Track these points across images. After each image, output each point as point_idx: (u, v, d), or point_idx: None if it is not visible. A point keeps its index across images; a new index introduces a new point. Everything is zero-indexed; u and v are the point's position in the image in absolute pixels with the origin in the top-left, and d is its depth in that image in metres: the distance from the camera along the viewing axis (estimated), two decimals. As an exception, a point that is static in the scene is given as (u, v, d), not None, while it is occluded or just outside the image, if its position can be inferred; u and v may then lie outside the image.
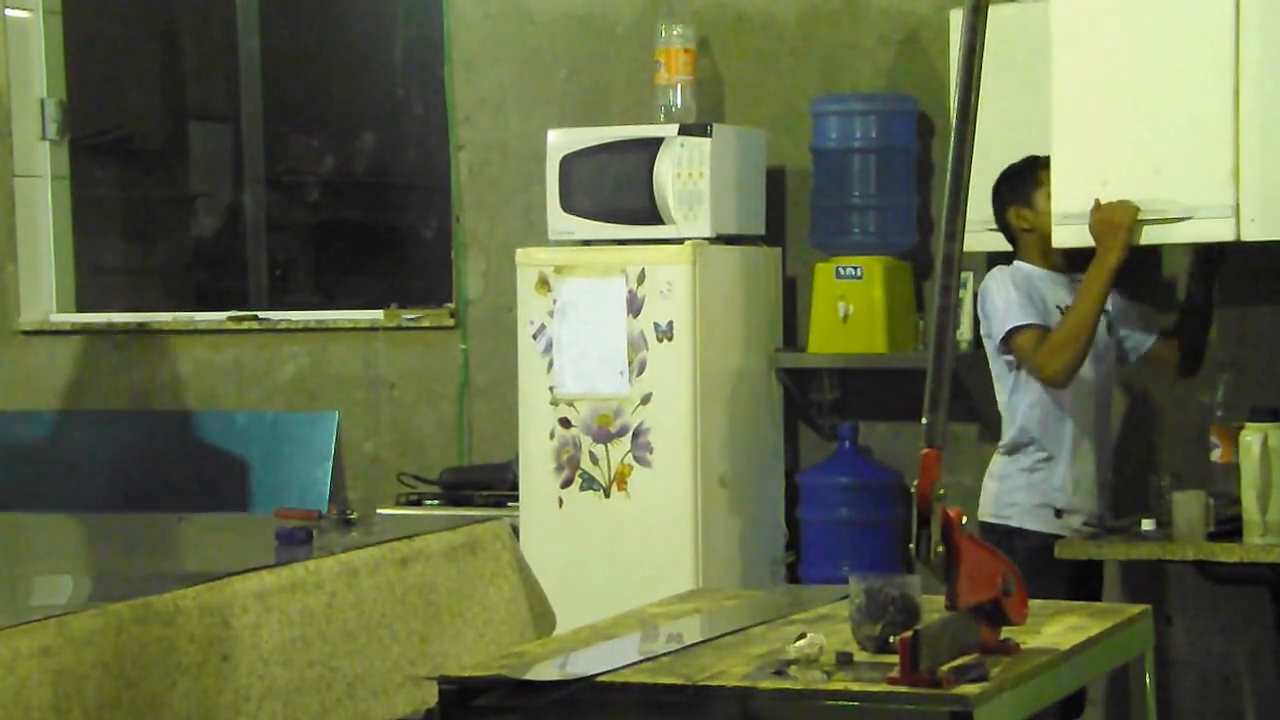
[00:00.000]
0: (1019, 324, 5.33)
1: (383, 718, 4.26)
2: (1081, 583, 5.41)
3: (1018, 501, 5.42)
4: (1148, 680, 3.96)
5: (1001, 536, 5.29)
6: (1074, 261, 5.43)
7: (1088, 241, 5.25)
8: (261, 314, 7.50)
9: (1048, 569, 5.16)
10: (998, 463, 5.49)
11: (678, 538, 6.09)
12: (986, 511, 5.44)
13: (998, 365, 5.46)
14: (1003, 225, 5.54)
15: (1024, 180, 5.49)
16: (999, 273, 5.46)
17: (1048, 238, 5.39)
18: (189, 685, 3.73)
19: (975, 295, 5.62)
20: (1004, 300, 5.36)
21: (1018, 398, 5.42)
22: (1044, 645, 3.57)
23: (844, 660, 3.37)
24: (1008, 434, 5.45)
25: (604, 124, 6.53)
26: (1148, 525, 5.42)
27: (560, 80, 6.96)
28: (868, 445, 6.52)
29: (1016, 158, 5.58)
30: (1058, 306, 5.38)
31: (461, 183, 7.09)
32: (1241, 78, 5.21)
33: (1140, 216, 5.18)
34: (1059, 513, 5.41)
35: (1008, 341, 5.36)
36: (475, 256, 7.07)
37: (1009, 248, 5.65)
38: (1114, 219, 5.18)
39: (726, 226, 6.27)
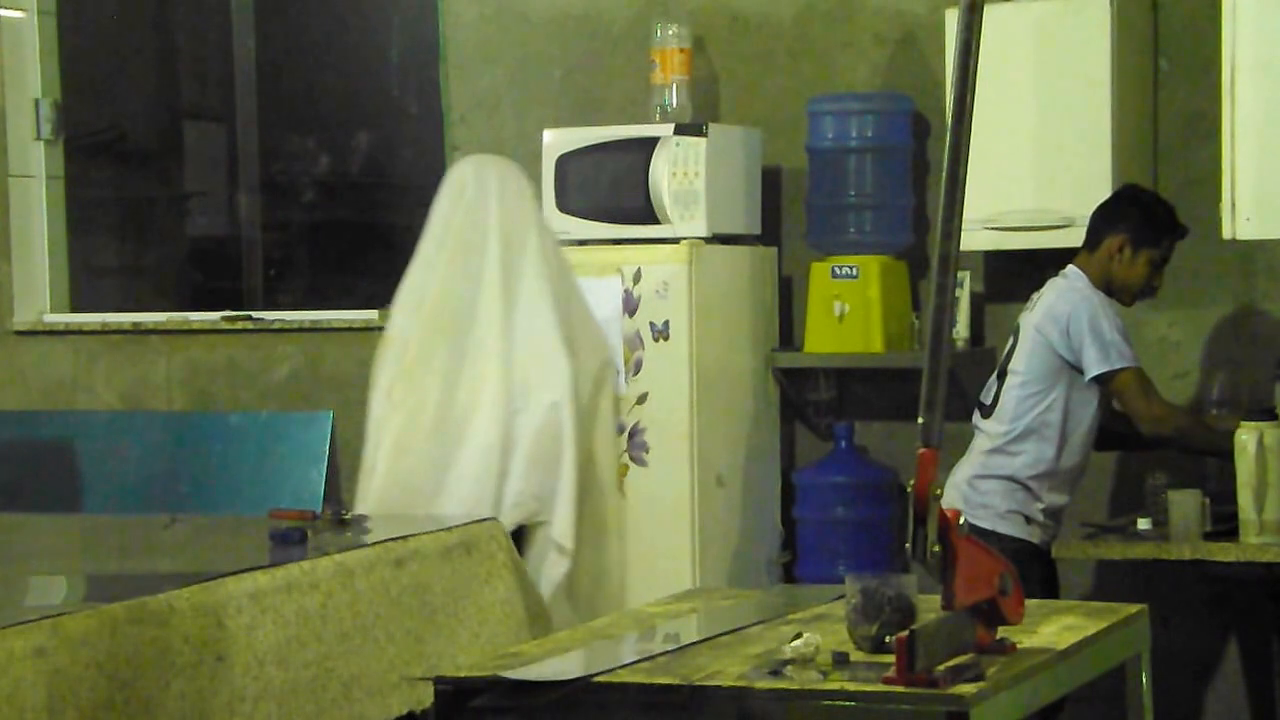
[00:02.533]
0: (1130, 366, 5.36)
1: (378, 718, 4.25)
2: (1050, 584, 5.44)
3: (991, 505, 5.40)
4: (1145, 680, 3.96)
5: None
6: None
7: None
8: (256, 314, 7.50)
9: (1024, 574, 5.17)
10: (982, 463, 5.45)
11: (674, 537, 6.09)
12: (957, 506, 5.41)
13: (1046, 378, 5.39)
14: (1098, 234, 5.47)
15: (1158, 230, 5.47)
16: (1098, 298, 5.40)
17: (1116, 283, 5.44)
18: (183, 686, 3.73)
19: (1037, 302, 5.50)
20: (1115, 334, 5.37)
21: (1050, 415, 5.39)
22: (1040, 645, 3.56)
23: (840, 660, 3.36)
24: (1005, 434, 5.41)
25: (599, 124, 6.53)
26: (1144, 524, 5.42)
27: (556, 80, 6.95)
28: (864, 444, 6.51)
29: (1015, 157, 5.60)
30: None
31: (457, 183, 7.08)
32: (1237, 80, 5.22)
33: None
34: (1029, 520, 5.43)
35: (1109, 379, 5.35)
36: (470, 256, 7.05)
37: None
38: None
39: (722, 226, 6.26)
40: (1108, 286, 5.44)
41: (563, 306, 4.89)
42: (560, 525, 4.82)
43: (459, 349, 4.85)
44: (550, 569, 4.82)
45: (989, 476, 5.41)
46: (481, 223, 4.92)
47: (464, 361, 4.84)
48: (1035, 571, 5.25)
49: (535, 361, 4.83)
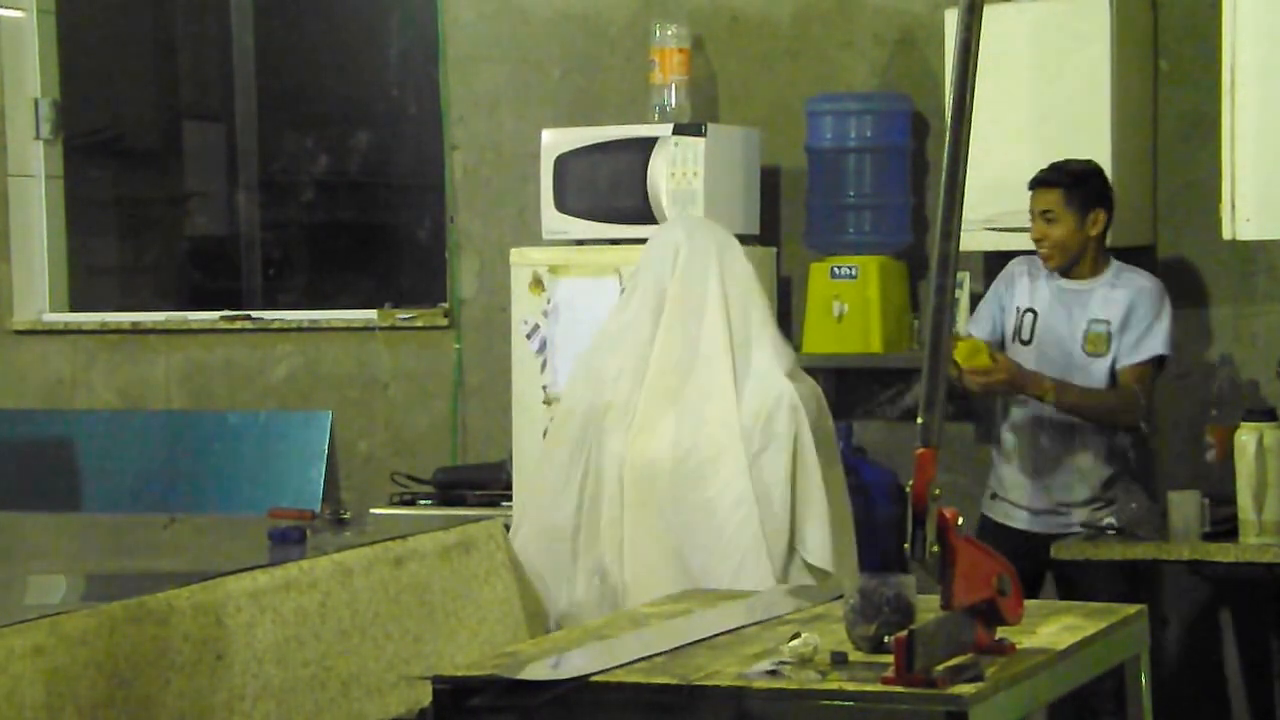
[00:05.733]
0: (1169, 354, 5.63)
1: (377, 717, 4.26)
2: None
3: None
4: (1144, 680, 3.96)
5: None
6: None
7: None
8: (255, 313, 7.50)
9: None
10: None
11: (672, 538, 6.07)
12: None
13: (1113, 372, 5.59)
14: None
15: (1105, 184, 5.65)
16: (1160, 285, 5.63)
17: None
18: (183, 685, 3.73)
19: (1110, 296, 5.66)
20: (1172, 322, 5.62)
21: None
22: (1039, 645, 3.56)
23: (838, 660, 3.36)
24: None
25: (598, 124, 6.53)
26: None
27: (554, 80, 6.95)
28: (862, 445, 6.51)
29: (1015, 158, 5.60)
30: None
31: (456, 183, 7.09)
32: (1237, 80, 5.22)
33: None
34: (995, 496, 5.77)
35: (1158, 361, 5.59)
36: (469, 256, 7.06)
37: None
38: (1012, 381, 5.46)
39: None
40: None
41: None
42: (818, 549, 4.84)
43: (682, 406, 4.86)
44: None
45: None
46: (699, 286, 4.92)
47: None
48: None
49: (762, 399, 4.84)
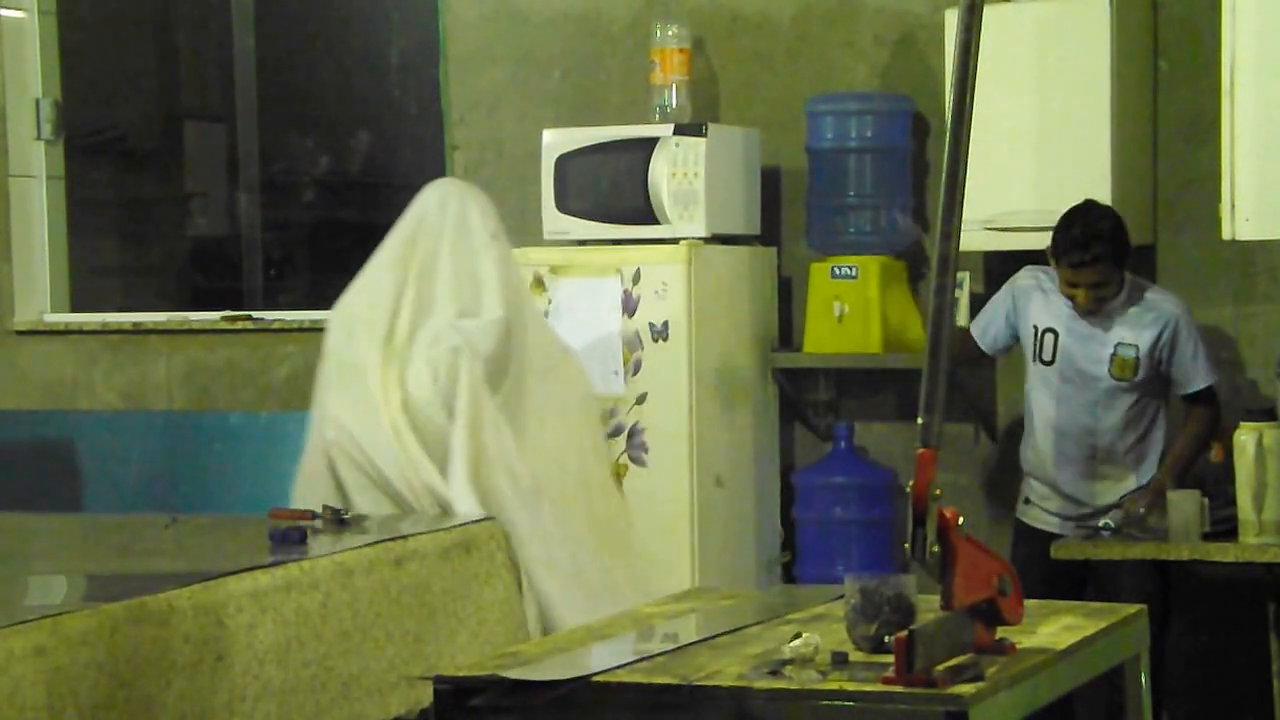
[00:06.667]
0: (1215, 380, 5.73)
1: (377, 718, 4.26)
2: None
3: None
4: (1143, 680, 3.96)
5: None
6: None
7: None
8: (256, 314, 7.50)
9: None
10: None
11: (674, 537, 6.09)
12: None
13: (1140, 392, 5.64)
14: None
15: (1053, 249, 5.63)
16: (1186, 307, 5.69)
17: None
18: (184, 685, 3.73)
19: (1166, 325, 5.66)
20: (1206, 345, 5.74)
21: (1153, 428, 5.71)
22: (1039, 645, 3.56)
23: (839, 660, 3.36)
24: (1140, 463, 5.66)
25: (599, 124, 6.53)
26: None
27: (555, 80, 6.95)
28: (863, 445, 6.51)
29: (1015, 157, 5.61)
30: None
31: (457, 183, 7.08)
32: (1237, 80, 5.23)
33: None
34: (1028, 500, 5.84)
35: (1213, 390, 5.67)
36: (470, 256, 7.05)
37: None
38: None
39: (722, 226, 6.27)
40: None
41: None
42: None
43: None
44: None
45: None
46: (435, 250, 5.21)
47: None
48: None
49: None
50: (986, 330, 5.82)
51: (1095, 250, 5.47)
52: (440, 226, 5.23)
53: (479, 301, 5.16)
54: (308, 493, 5.16)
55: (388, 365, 5.12)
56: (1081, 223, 5.50)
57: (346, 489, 5.07)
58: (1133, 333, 5.59)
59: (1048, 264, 5.65)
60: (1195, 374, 5.61)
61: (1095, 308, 5.56)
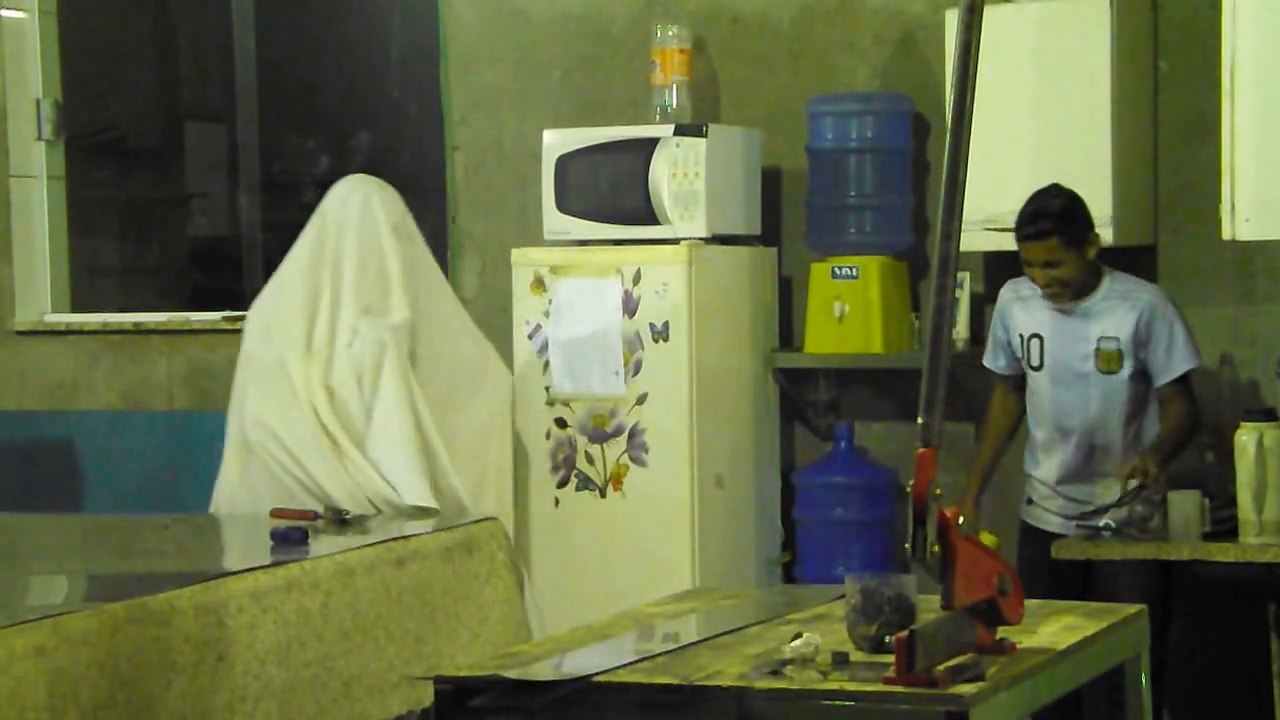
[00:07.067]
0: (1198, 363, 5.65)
1: (378, 717, 4.26)
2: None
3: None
4: (1143, 680, 3.96)
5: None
6: None
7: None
8: (257, 314, 7.49)
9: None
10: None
11: (674, 538, 6.09)
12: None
13: (1131, 384, 5.61)
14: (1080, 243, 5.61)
15: (1084, 206, 5.64)
16: (1163, 293, 5.67)
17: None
18: (184, 685, 3.73)
19: (1143, 310, 5.63)
20: (1186, 326, 5.63)
21: (1150, 420, 5.67)
22: (1040, 645, 3.56)
23: (840, 660, 3.37)
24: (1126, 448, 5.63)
25: (599, 124, 6.53)
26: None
27: (556, 81, 6.95)
28: (864, 445, 6.52)
29: (1015, 158, 5.60)
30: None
31: (457, 183, 7.09)
32: (1237, 81, 5.23)
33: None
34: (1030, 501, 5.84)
35: (1190, 376, 5.60)
36: (471, 257, 7.06)
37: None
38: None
39: (722, 227, 6.27)
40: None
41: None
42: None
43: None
44: None
45: None
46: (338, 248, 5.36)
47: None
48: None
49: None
50: (997, 358, 5.83)
51: (1041, 225, 5.49)
52: (344, 221, 5.31)
53: (386, 300, 5.24)
54: (231, 497, 5.20)
55: (309, 365, 5.16)
56: (1036, 200, 5.55)
57: (266, 491, 5.10)
58: (1113, 325, 5.59)
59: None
60: (1169, 365, 5.57)
61: (1057, 290, 5.56)
